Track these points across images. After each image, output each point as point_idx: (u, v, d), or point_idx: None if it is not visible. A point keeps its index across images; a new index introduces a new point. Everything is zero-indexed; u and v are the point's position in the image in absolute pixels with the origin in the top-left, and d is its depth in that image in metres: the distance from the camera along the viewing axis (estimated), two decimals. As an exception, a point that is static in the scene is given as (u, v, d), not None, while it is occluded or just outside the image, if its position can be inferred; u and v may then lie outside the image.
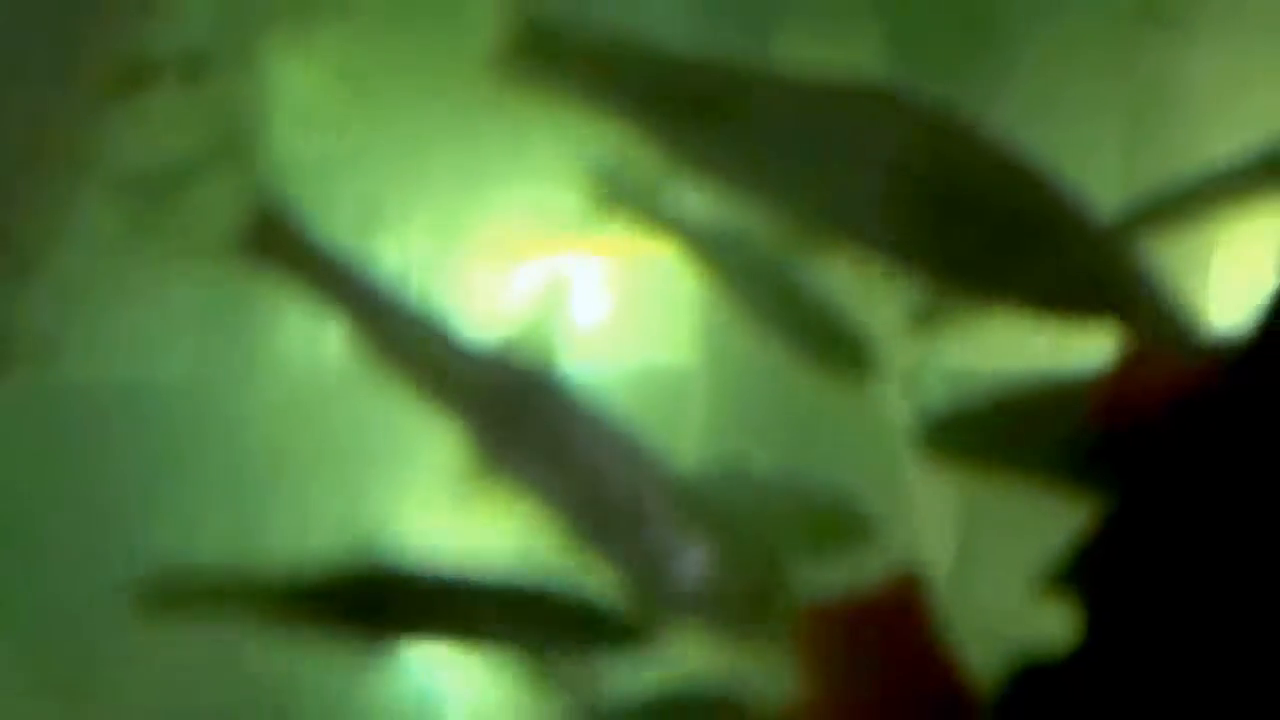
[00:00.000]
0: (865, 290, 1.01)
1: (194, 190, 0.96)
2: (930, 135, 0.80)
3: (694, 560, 0.83)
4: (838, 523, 1.00)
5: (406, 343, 0.88)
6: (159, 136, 0.99)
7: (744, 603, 0.85)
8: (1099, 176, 0.97)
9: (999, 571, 0.95)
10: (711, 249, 1.06)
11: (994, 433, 0.84)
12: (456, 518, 0.92)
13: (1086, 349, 0.80)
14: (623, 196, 1.04)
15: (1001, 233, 0.80)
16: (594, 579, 0.87)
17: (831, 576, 0.87)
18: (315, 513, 1.11)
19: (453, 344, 0.88)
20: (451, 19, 1.01)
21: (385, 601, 0.90)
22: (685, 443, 1.08)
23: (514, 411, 0.86)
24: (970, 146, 0.80)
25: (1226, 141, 0.98)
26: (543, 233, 1.12)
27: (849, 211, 0.79)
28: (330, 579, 0.90)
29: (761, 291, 1.05)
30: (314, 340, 1.06)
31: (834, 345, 1.06)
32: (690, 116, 0.82)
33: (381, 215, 1.08)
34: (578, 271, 1.11)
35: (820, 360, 1.05)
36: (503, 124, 1.02)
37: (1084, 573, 0.64)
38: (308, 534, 1.08)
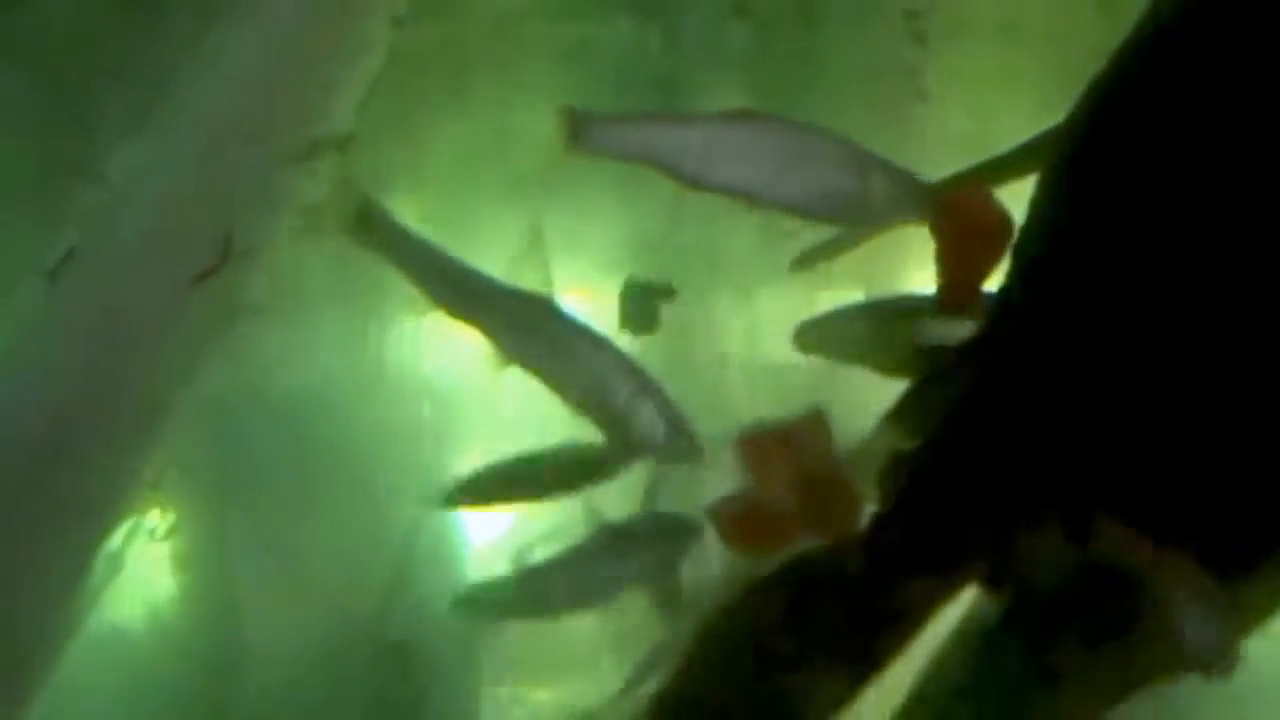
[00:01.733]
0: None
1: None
2: None
3: (650, 417, 1.12)
4: None
5: (463, 288, 1.17)
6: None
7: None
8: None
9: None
10: None
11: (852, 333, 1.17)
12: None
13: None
14: None
15: None
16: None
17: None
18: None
19: (488, 283, 1.17)
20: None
21: None
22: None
23: (526, 323, 1.15)
24: None
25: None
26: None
27: None
28: None
29: None
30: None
31: None
32: None
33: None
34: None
35: None
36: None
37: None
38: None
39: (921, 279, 1.13)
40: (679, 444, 1.13)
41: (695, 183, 1.11)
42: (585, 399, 1.13)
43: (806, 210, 1.12)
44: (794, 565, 0.91)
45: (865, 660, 0.89)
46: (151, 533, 1.17)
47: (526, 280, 1.17)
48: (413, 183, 1.47)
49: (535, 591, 1.18)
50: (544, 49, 1.57)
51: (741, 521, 1.03)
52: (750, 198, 1.11)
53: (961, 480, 0.90)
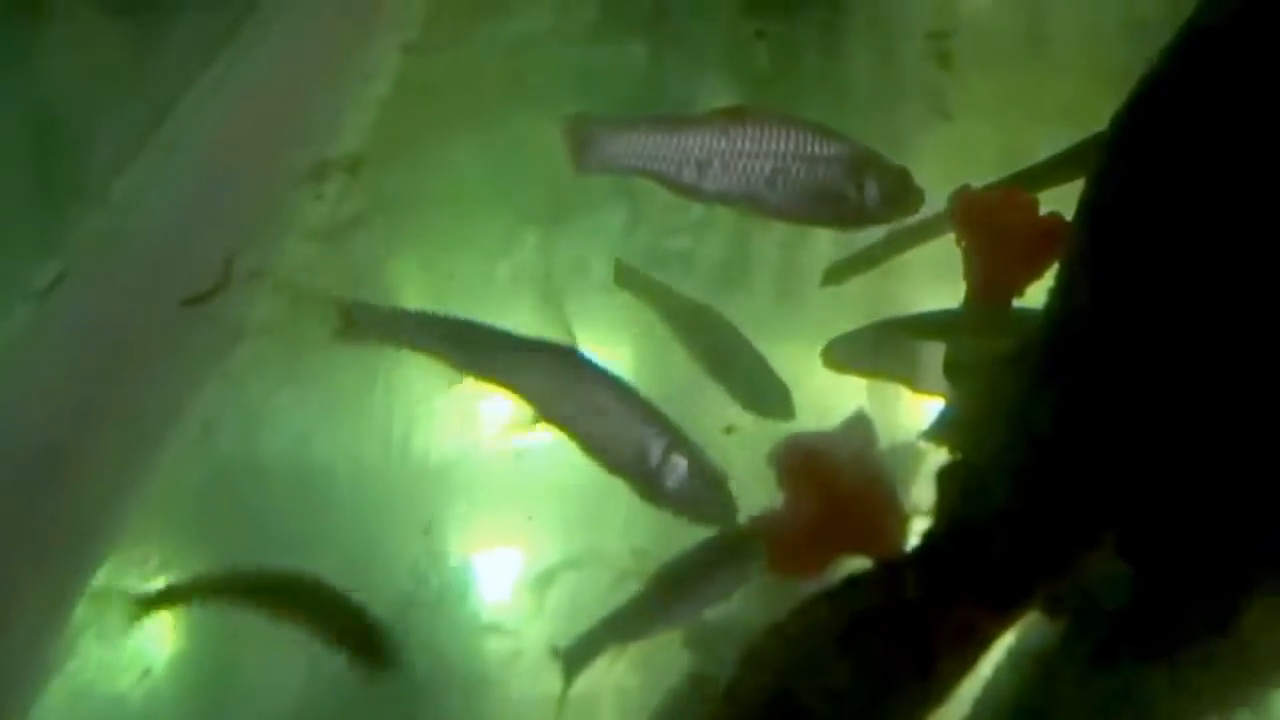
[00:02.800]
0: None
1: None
2: None
3: (683, 475, 1.07)
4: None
5: (482, 349, 1.12)
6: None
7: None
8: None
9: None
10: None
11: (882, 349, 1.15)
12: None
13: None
14: None
15: None
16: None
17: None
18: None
19: (507, 340, 1.12)
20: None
21: None
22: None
23: (553, 378, 1.10)
24: None
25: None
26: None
27: None
28: None
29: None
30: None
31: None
32: None
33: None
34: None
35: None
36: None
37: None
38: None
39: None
40: (714, 505, 1.08)
41: (695, 193, 1.11)
42: (617, 457, 1.08)
43: (805, 215, 1.12)
44: (846, 588, 0.85)
45: (923, 689, 0.83)
46: (141, 572, 1.11)
47: (547, 332, 1.13)
48: (423, 204, 1.42)
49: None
50: (559, 73, 1.54)
51: (783, 541, 0.97)
52: (749, 205, 1.10)
53: (1023, 499, 0.84)
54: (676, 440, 1.08)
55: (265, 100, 1.45)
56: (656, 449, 1.07)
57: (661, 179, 1.12)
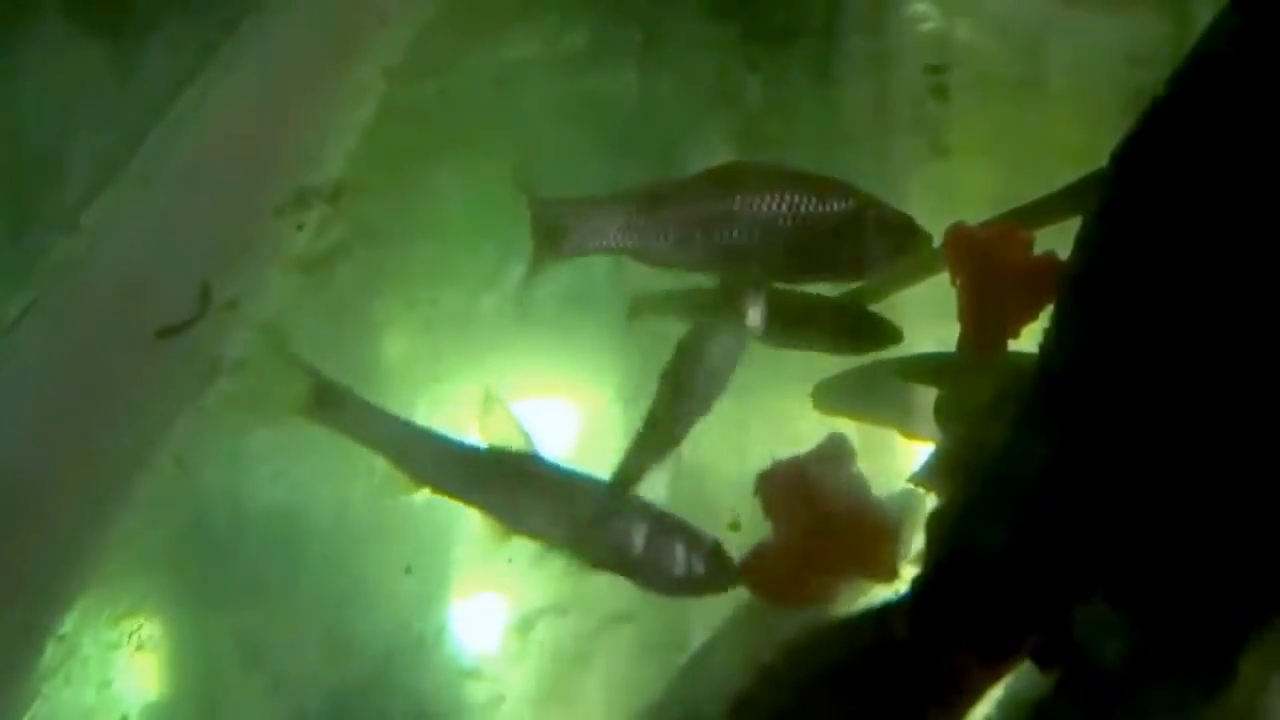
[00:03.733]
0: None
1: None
2: None
3: (674, 556, 1.03)
4: None
5: (433, 458, 1.07)
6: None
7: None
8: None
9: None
10: None
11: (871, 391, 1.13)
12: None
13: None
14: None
15: None
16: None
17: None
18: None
19: (467, 453, 1.07)
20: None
21: None
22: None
23: (515, 486, 1.05)
24: None
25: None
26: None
27: None
28: None
29: None
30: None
31: None
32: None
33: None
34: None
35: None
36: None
37: None
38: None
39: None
40: (711, 576, 1.03)
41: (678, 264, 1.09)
42: (599, 556, 1.04)
43: (801, 276, 1.10)
44: (836, 630, 0.83)
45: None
46: (111, 614, 1.07)
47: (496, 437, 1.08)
48: (407, 234, 1.39)
49: None
50: (548, 102, 1.51)
51: (771, 570, 0.97)
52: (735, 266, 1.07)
53: (1012, 546, 0.82)
54: (655, 525, 1.04)
55: (244, 126, 1.41)
56: (638, 541, 1.04)
57: (639, 256, 1.09)
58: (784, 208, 1.06)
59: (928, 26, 1.52)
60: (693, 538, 1.04)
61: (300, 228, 1.37)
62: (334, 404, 1.08)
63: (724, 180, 1.08)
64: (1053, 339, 0.89)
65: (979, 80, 1.43)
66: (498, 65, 1.54)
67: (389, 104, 1.53)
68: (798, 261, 1.08)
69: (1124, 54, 1.33)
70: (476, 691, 1.05)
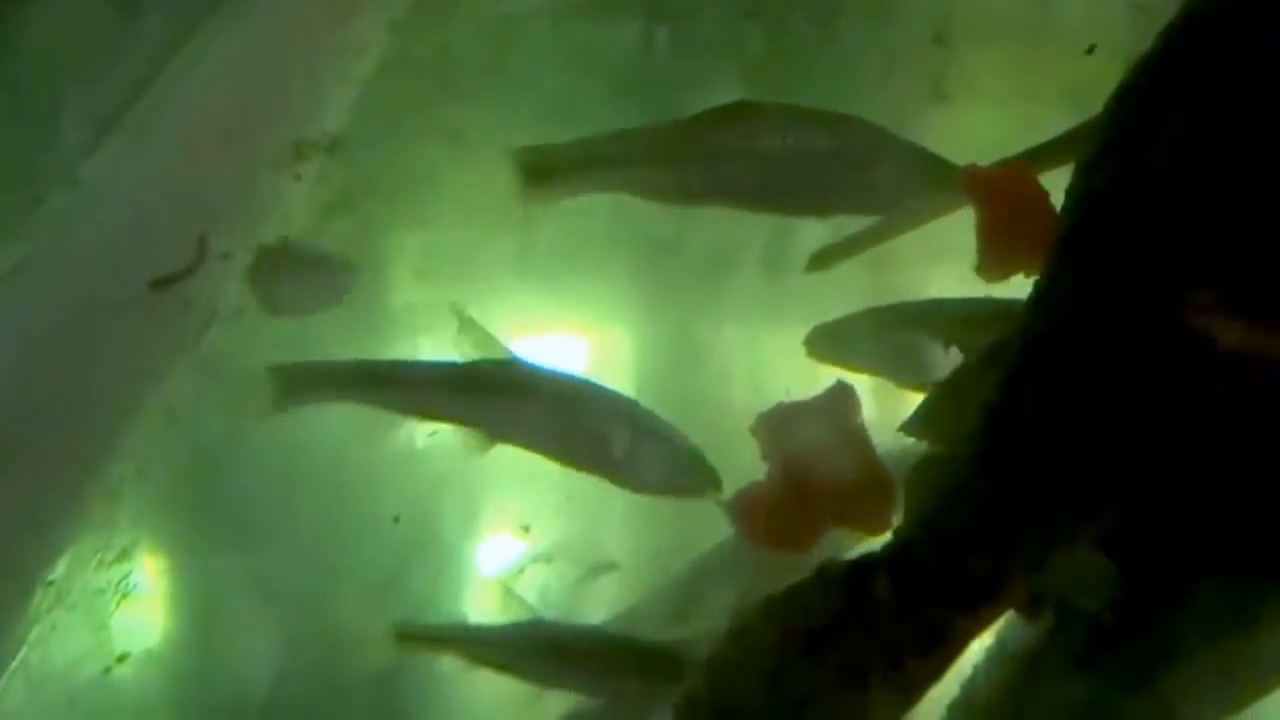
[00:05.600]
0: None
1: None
2: None
3: (656, 458, 1.03)
4: None
5: (421, 389, 1.06)
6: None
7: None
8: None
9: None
10: None
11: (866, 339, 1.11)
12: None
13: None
14: None
15: None
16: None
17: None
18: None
19: (446, 372, 1.06)
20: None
21: None
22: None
23: (497, 400, 1.05)
24: None
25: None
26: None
27: None
28: None
29: None
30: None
31: None
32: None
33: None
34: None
35: None
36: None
37: None
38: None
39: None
40: (695, 477, 1.04)
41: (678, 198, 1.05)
42: (582, 456, 1.04)
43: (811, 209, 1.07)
44: (813, 589, 0.82)
45: (894, 692, 0.79)
46: (101, 560, 1.08)
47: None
48: (405, 186, 1.39)
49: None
50: (547, 52, 1.51)
51: (765, 511, 0.96)
52: (747, 201, 1.04)
53: (996, 495, 0.81)
54: (639, 423, 1.04)
55: (243, 79, 1.42)
56: (621, 438, 1.03)
57: (638, 192, 1.06)
58: (789, 140, 1.03)
59: (930, -28, 1.50)
60: (676, 440, 1.04)
61: (298, 178, 1.37)
62: (302, 380, 1.07)
63: (727, 116, 1.05)
64: (1042, 287, 0.87)
65: (979, 27, 1.42)
66: (498, 15, 1.54)
67: (391, 56, 1.53)
68: (806, 195, 1.05)
69: (1126, 1, 1.30)
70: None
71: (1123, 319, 0.79)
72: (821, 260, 1.18)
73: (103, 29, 1.39)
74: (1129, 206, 0.82)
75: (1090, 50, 1.08)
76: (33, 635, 1.03)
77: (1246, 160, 0.77)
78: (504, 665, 1.00)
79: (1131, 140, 0.84)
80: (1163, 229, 0.79)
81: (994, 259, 0.99)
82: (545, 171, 1.04)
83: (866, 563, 0.82)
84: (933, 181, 1.04)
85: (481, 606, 1.05)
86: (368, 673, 1.02)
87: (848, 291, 1.18)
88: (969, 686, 0.89)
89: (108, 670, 1.04)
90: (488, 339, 1.07)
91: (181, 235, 1.28)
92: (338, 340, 1.23)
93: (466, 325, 1.07)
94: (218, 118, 1.37)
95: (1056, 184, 0.91)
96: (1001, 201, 0.99)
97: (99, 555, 1.07)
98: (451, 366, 1.07)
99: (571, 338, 1.31)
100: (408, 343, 1.29)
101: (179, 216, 1.29)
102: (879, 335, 1.11)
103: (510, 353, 1.07)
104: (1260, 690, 0.84)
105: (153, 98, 1.36)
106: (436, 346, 1.23)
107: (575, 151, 1.05)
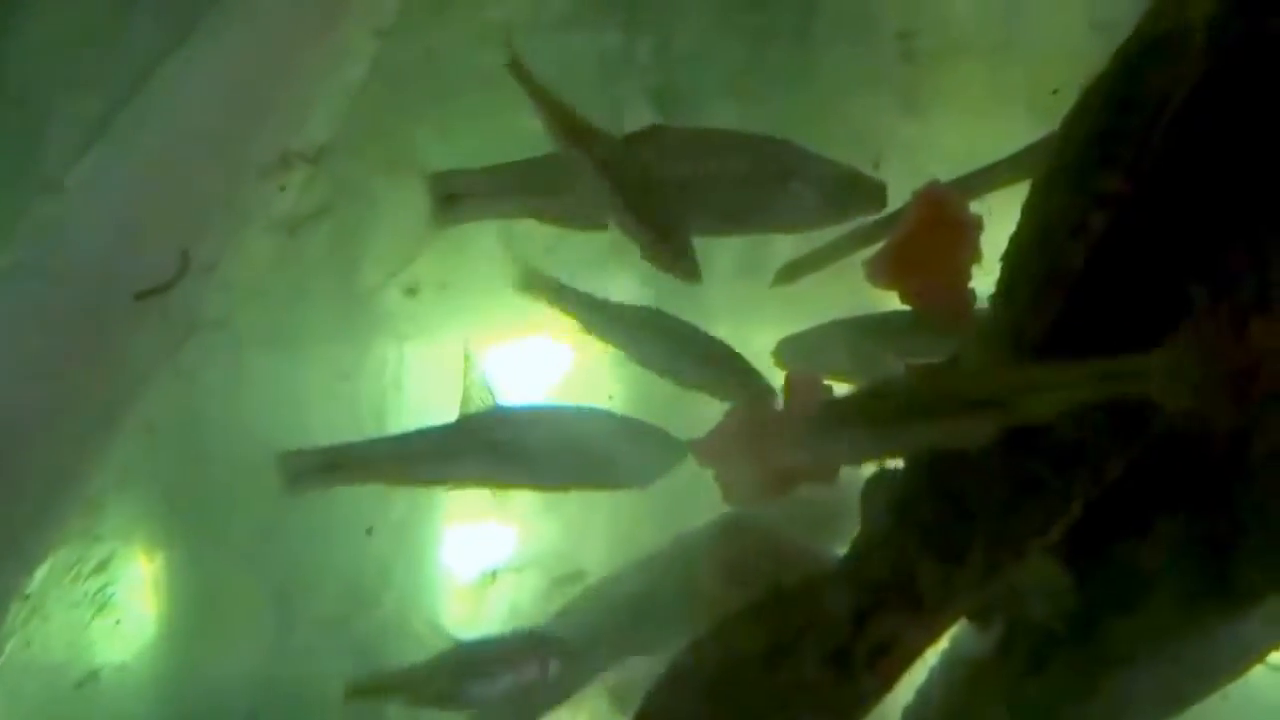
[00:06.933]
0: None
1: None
2: None
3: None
4: None
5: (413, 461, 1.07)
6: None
7: None
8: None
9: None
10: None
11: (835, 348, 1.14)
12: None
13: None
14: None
15: None
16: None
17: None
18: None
19: (437, 436, 1.07)
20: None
21: None
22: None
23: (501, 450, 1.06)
24: None
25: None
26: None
27: None
28: None
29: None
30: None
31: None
32: None
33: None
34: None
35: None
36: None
37: None
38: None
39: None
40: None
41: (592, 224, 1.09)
42: (572, 478, 1.07)
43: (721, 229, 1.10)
44: (770, 601, 0.84)
45: (849, 700, 0.82)
46: (78, 573, 1.09)
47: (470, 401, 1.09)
48: (389, 195, 1.40)
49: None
50: (534, 62, 1.51)
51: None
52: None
53: (951, 504, 0.83)
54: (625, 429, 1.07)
55: (230, 88, 1.43)
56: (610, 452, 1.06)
57: (538, 216, 1.12)
58: (699, 164, 1.08)
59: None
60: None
61: (283, 188, 1.39)
62: (306, 466, 1.07)
63: (636, 141, 1.10)
64: (997, 299, 0.89)
65: (948, 44, 1.43)
66: (481, 24, 1.55)
67: (377, 64, 1.54)
68: (719, 216, 1.09)
69: (1091, 18, 1.32)
70: (435, 649, 1.06)
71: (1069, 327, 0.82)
72: (789, 274, 1.20)
73: (89, 37, 1.40)
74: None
75: (1055, 92, 1.09)
76: (8, 648, 1.04)
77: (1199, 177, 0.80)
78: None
79: (1085, 158, 0.86)
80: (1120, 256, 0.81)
81: (891, 266, 1.04)
82: (452, 198, 1.11)
83: (821, 578, 0.84)
84: (854, 197, 1.08)
85: (455, 616, 1.08)
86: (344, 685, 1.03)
87: (826, 298, 1.20)
88: (923, 692, 0.91)
89: (83, 684, 1.05)
90: (480, 387, 1.08)
91: (167, 244, 1.29)
92: (324, 349, 1.26)
93: (469, 367, 1.09)
94: (204, 126, 1.38)
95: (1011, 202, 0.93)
96: (931, 219, 1.03)
97: (76, 568, 1.09)
98: (444, 430, 1.07)
99: (553, 343, 1.32)
100: (393, 350, 1.30)
101: (164, 226, 1.31)
102: (847, 345, 1.13)
103: (496, 400, 1.08)
104: (1203, 693, 0.87)
105: (139, 107, 1.37)
106: (419, 354, 1.26)
107: (482, 179, 1.12)
